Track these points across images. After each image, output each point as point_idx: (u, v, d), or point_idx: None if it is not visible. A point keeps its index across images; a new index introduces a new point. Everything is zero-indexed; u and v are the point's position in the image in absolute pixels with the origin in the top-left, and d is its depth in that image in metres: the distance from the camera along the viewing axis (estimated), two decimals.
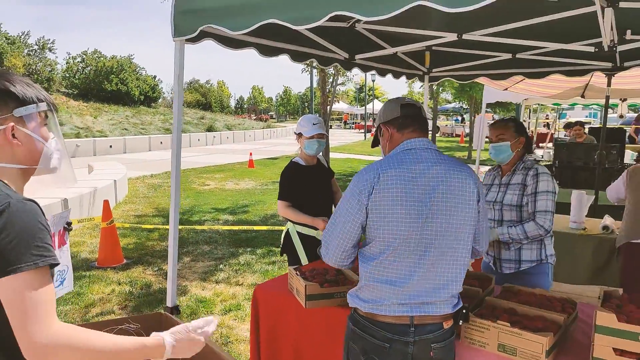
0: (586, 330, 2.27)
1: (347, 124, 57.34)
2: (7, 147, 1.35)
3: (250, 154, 17.27)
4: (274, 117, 74.03)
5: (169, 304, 2.73)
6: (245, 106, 78.59)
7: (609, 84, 5.50)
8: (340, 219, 1.91)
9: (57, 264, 1.27)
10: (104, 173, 10.75)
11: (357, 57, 4.07)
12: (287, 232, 3.49)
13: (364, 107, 46.94)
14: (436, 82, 5.72)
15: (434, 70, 5.39)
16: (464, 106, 36.43)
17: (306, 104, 66.25)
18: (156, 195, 10.67)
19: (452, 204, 1.86)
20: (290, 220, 3.43)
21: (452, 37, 3.60)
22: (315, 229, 3.33)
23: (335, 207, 3.60)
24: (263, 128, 36.84)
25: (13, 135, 1.34)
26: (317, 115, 3.30)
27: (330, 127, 54.58)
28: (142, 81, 31.81)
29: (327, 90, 8.64)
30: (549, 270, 2.90)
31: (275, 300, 2.77)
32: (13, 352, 1.28)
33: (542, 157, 10.21)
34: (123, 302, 4.80)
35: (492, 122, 3.13)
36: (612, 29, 3.05)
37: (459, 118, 44.97)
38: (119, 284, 5.27)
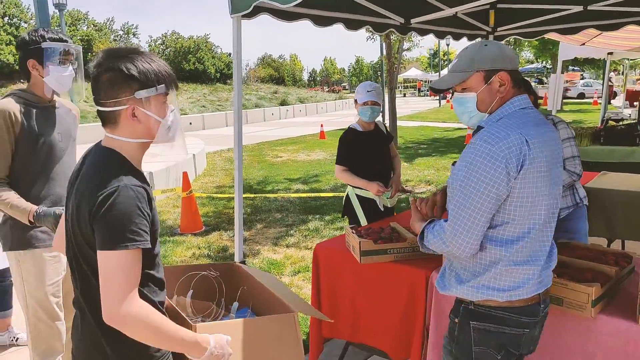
0: None
1: (421, 91, 55.89)
2: (128, 124, 1.50)
3: (322, 125, 17.50)
4: (346, 87, 73.73)
5: (236, 259, 3.02)
6: (317, 78, 78.89)
7: None
8: (474, 194, 1.60)
9: (149, 248, 1.44)
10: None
11: (413, 21, 4.07)
12: (347, 196, 3.66)
13: (438, 74, 45.43)
14: (502, 42, 5.54)
15: (499, 29, 5.22)
16: (548, 66, 34.26)
17: (379, 72, 65.24)
18: (232, 167, 11.16)
19: (561, 169, 1.78)
20: (350, 184, 3.59)
21: None
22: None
23: (395, 172, 3.70)
24: (335, 99, 36.93)
25: (133, 114, 1.48)
26: (377, 83, 3.35)
27: (404, 95, 53.67)
28: (218, 59, 32.94)
29: (393, 57, 8.56)
30: (585, 213, 3.00)
31: (334, 257, 2.96)
32: (148, 286, 1.52)
33: (630, 116, 9.52)
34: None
35: None
36: None
37: (538, 79, 42.32)
38: (199, 248, 5.74)
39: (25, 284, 2.38)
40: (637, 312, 1.93)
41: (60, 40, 2.34)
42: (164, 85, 1.52)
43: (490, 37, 5.29)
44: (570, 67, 33.80)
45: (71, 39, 2.49)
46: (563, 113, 22.88)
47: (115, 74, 1.46)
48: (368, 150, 3.53)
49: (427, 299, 2.57)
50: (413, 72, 57.52)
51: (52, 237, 2.37)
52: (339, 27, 3.60)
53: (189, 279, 2.19)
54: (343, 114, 30.03)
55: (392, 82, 8.46)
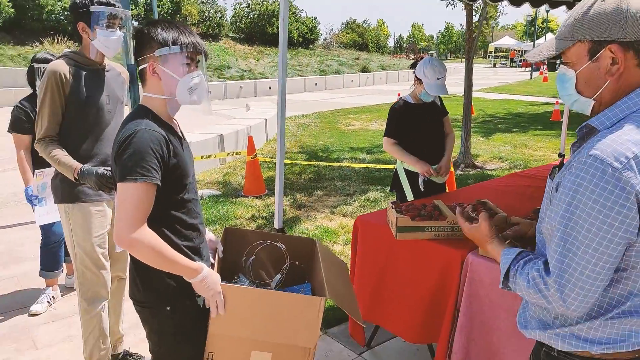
0: None
1: (514, 61, 52.67)
2: (152, 81, 1.73)
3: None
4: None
5: (275, 225, 3.08)
6: (404, 45, 76.75)
7: None
8: (589, 239, 1.18)
9: (157, 184, 1.62)
10: (258, 112, 11.70)
11: None
12: (396, 170, 3.58)
13: (532, 43, 42.42)
14: None
15: None
16: None
17: None
18: (303, 134, 11.34)
19: None
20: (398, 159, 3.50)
21: None
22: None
23: (446, 149, 3.52)
24: None
25: (154, 70, 1.70)
26: (444, 65, 3.08)
27: (494, 66, 50.93)
28: (302, 23, 32.90)
29: (473, 25, 8.09)
30: None
31: (373, 230, 2.93)
32: (173, 227, 1.74)
33: None
34: (261, 227, 5.41)
35: None
36: None
37: None
38: (258, 211, 5.92)
39: (74, 235, 2.57)
40: None
41: (108, 4, 2.42)
42: (178, 46, 1.70)
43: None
44: None
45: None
46: None
47: (142, 36, 1.71)
48: (419, 125, 3.41)
49: (461, 280, 2.48)
50: (506, 41, 54.20)
51: (99, 193, 2.54)
52: None
53: (260, 244, 2.27)
54: None
55: (469, 53, 8.01)
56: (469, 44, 8.05)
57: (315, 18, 35.00)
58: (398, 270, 2.74)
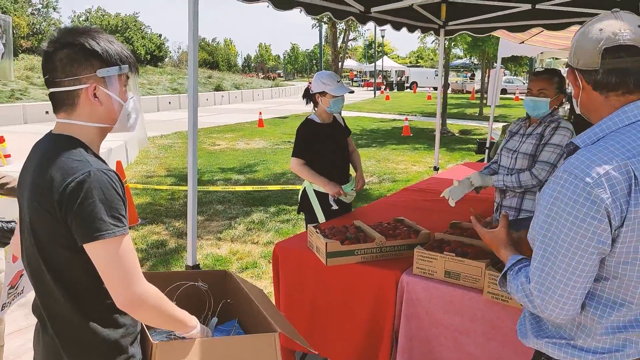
0: None
1: (355, 81, 56.48)
2: (88, 106, 1.37)
3: (260, 113, 17.14)
4: (281, 75, 73.06)
5: (189, 262, 2.76)
6: (252, 64, 77.61)
7: None
8: (564, 249, 1.24)
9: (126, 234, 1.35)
10: (115, 134, 10.72)
11: (373, 9, 3.94)
12: (304, 191, 3.48)
13: (373, 64, 46.02)
14: (451, 36, 5.55)
15: (449, 23, 5.22)
16: (475, 62, 35.77)
17: (314, 61, 65.25)
18: (167, 155, 10.67)
19: None
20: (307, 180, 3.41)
21: None
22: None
23: (356, 168, 3.57)
24: (271, 87, 36.45)
25: (94, 94, 1.36)
26: (313, 72, 3.20)
27: None
28: (148, 40, 31.42)
29: (339, 46, 8.43)
30: None
31: (295, 258, 2.79)
32: (84, 304, 1.38)
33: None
34: (142, 261, 4.87)
35: (537, 71, 2.98)
36: None
37: (466, 74, 44.75)
38: (136, 244, 5.34)
39: None
40: None
41: None
42: (127, 65, 1.41)
43: (442, 31, 5.28)
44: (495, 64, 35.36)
45: None
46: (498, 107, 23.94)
47: (75, 49, 1.33)
48: (327, 144, 3.37)
49: (397, 301, 2.46)
50: (349, 63, 57.97)
51: None
52: (273, 12, 3.40)
53: (175, 289, 1.95)
54: (280, 101, 29.74)
55: (336, 72, 8.33)
56: (335, 64, 8.37)
57: (161, 35, 33.71)
58: (330, 297, 2.64)
